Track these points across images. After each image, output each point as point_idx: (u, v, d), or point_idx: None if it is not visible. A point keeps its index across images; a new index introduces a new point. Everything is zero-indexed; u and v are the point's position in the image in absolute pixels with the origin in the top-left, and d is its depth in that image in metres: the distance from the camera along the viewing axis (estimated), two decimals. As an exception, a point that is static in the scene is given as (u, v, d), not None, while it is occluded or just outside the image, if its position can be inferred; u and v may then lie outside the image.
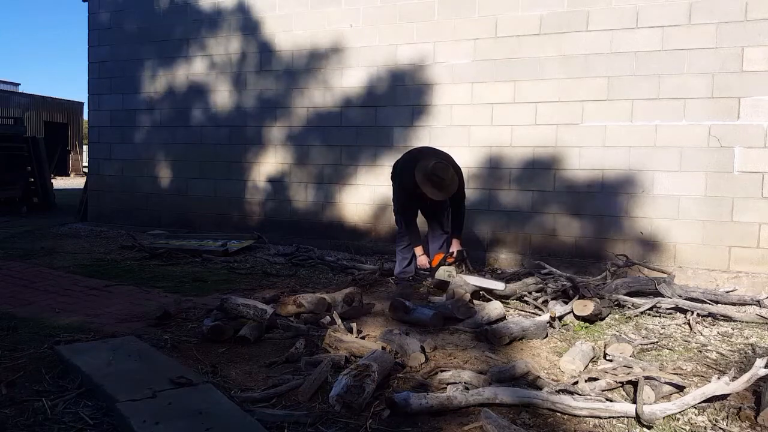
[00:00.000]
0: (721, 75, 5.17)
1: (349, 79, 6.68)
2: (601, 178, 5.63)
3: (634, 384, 2.72)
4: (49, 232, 7.97)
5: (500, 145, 6.01)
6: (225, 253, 6.33)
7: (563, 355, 3.21)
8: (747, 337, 3.77)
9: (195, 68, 7.59)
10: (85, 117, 11.16)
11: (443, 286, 4.51)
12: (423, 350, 3.11)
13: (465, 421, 2.42)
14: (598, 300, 4.01)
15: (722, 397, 2.62)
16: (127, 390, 2.53)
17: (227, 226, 7.44)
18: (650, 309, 4.21)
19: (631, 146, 5.48)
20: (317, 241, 6.79)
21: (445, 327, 3.68)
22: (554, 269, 5.11)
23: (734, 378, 2.64)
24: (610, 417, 2.51)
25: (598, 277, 4.94)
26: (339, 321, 3.53)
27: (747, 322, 4.07)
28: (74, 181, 19.59)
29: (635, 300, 4.32)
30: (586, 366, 3.11)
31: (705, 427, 2.46)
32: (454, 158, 5.05)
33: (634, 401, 2.56)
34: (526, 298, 4.40)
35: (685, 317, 4.09)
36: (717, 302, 4.42)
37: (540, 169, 5.86)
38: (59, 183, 16.08)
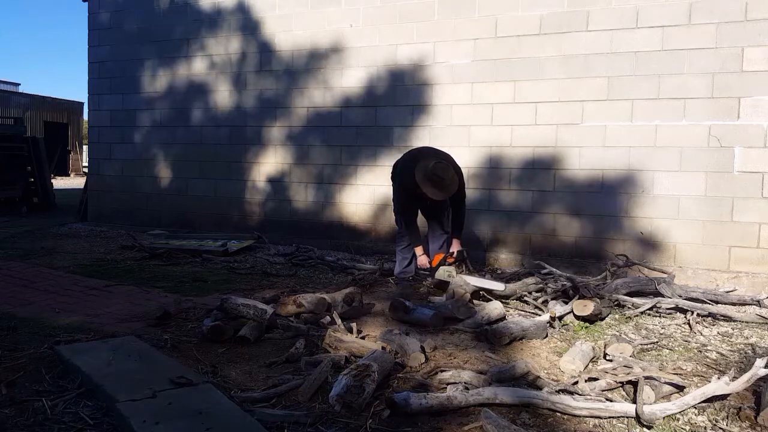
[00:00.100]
0: (721, 75, 5.17)
1: (349, 79, 6.68)
2: (601, 178, 5.63)
3: (634, 384, 2.72)
4: (49, 232, 7.97)
5: (500, 145, 6.01)
6: (225, 253, 6.33)
7: (563, 355, 3.20)
8: (747, 337, 3.77)
9: (195, 68, 7.60)
10: (85, 117, 11.17)
11: (443, 286, 4.51)
12: (423, 350, 3.11)
13: (465, 421, 2.42)
14: (598, 300, 4.01)
15: (722, 397, 2.62)
16: (127, 390, 2.53)
17: (227, 226, 7.44)
18: (650, 309, 4.21)
19: (631, 146, 5.48)
20: (317, 241, 6.79)
21: (445, 327, 3.68)
22: (554, 269, 5.12)
23: (734, 378, 2.64)
24: (610, 417, 2.51)
25: (598, 277, 4.94)
26: (339, 321, 3.53)
27: (747, 322, 4.07)
28: (74, 181, 19.60)
29: (635, 300, 4.32)
30: (586, 366, 3.11)
31: (705, 427, 2.46)
32: (454, 158, 5.05)
33: (634, 401, 2.56)
34: (526, 298, 4.40)
35: (685, 317, 4.09)
36: (717, 302, 4.42)
37: (540, 169, 5.86)
38: (59, 183, 16.08)
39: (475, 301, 4.05)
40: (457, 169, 4.93)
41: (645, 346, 3.52)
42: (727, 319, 4.11)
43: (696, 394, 2.57)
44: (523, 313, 4.19)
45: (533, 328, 3.58)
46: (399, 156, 5.36)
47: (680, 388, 2.76)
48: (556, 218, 5.84)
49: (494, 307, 3.87)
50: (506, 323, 3.63)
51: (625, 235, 5.56)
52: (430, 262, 4.99)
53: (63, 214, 9.74)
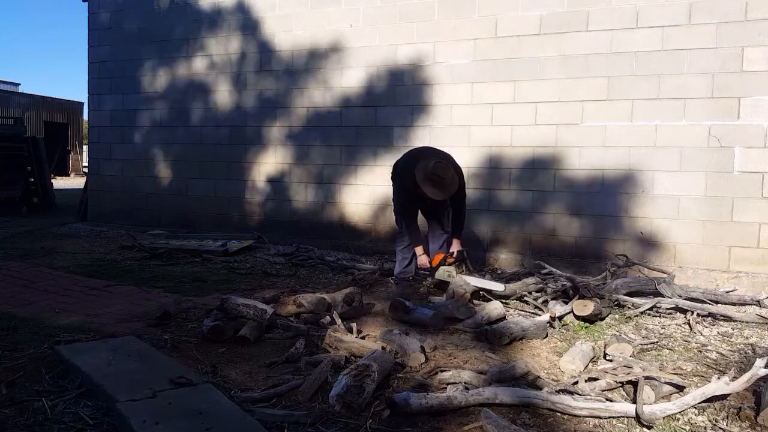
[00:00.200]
0: (721, 75, 5.17)
1: (349, 79, 6.68)
2: (601, 178, 5.63)
3: (634, 384, 2.72)
4: (49, 232, 7.97)
5: (500, 145, 6.01)
6: (225, 253, 6.33)
7: (563, 355, 3.21)
8: (747, 337, 3.77)
9: (195, 68, 7.60)
10: (85, 117, 11.17)
11: (443, 286, 4.51)
12: (423, 350, 3.11)
13: (465, 421, 2.42)
14: (598, 300, 4.01)
15: (722, 397, 2.62)
16: (127, 390, 2.53)
17: (227, 226, 7.44)
18: (650, 309, 4.21)
19: (631, 146, 5.48)
20: (317, 241, 6.79)
21: (445, 327, 3.68)
22: (554, 269, 5.12)
23: (734, 378, 2.64)
24: (610, 417, 2.51)
25: (598, 277, 4.94)
26: (339, 321, 3.53)
27: (747, 322, 4.07)
28: (74, 181, 19.59)
29: (635, 300, 4.32)
30: (586, 366, 3.11)
31: (705, 427, 2.46)
32: (454, 158, 5.05)
33: (634, 401, 2.56)
34: (526, 298, 4.40)
35: (685, 317, 4.09)
36: (717, 302, 4.42)
37: (540, 169, 5.86)
38: (59, 183, 16.08)
39: (475, 301, 4.05)
40: (458, 169, 4.93)
41: (645, 346, 3.52)
42: (727, 319, 4.11)
43: (696, 394, 2.57)
44: (523, 313, 4.19)
45: (533, 328, 3.58)
46: (399, 156, 5.35)
47: (680, 388, 2.77)
48: (556, 218, 5.84)
49: (494, 307, 3.87)
50: (506, 323, 3.63)
51: (625, 235, 5.56)
52: (430, 262, 4.99)
53: (63, 214, 9.74)
